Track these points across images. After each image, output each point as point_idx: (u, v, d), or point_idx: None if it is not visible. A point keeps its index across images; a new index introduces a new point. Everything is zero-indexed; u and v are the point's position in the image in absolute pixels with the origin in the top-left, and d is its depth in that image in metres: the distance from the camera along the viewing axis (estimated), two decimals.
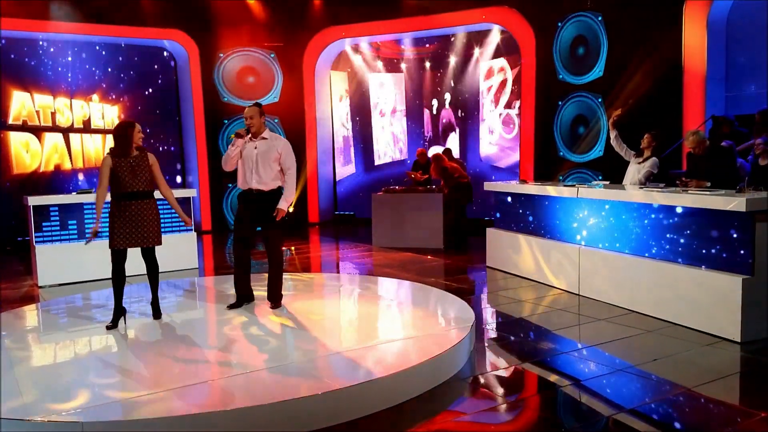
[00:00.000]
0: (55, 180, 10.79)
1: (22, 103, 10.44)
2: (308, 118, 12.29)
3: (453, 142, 11.77)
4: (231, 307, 5.23)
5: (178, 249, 7.75)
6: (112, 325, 4.74)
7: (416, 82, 12.21)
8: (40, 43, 10.56)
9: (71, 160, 10.97)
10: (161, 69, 11.72)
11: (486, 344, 4.76)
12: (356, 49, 12.38)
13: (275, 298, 5.26)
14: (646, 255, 5.39)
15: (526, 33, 10.13)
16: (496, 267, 7.45)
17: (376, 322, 5.08)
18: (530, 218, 6.99)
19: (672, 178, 6.42)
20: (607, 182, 7.04)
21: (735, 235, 4.60)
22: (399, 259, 8.29)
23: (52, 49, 10.67)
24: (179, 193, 7.99)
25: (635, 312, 5.37)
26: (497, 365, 4.35)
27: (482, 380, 4.03)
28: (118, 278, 4.76)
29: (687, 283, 4.91)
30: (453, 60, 11.65)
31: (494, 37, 11.00)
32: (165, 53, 11.72)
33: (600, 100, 9.22)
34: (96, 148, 11.24)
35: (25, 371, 3.89)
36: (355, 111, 12.76)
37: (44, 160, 10.72)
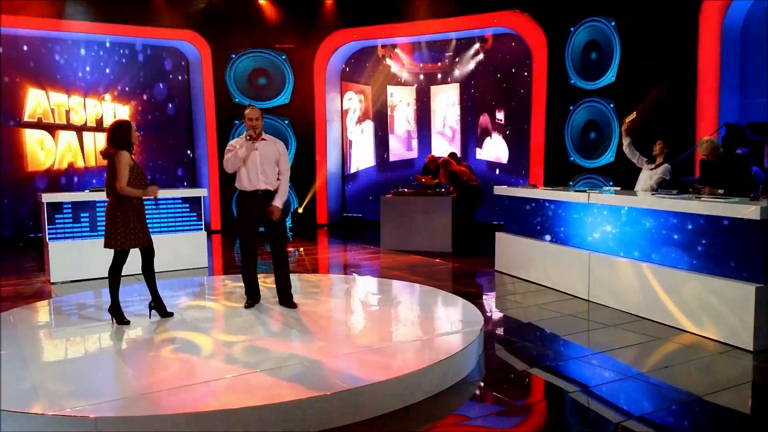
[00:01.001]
0: (69, 177, 10.88)
1: (37, 101, 10.54)
2: (318, 120, 12.32)
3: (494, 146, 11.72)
4: (248, 306, 5.29)
5: (188, 248, 7.79)
6: (126, 321, 4.80)
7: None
8: (56, 41, 10.65)
9: (84, 158, 11.06)
10: (173, 69, 11.79)
11: (494, 348, 4.75)
12: (380, 57, 12.37)
13: (287, 299, 5.30)
14: (658, 261, 5.36)
15: (538, 37, 10.12)
16: (505, 271, 7.43)
17: (384, 325, 5.08)
18: (540, 223, 6.97)
19: (685, 185, 6.38)
20: (618, 188, 7.01)
21: (748, 243, 4.57)
22: (407, 262, 8.29)
23: (66, 48, 10.76)
24: (190, 192, 8.06)
25: (646, 319, 5.34)
26: (505, 369, 4.34)
27: (490, 384, 4.02)
28: (119, 276, 4.86)
29: (699, 291, 4.88)
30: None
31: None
32: (178, 53, 11.79)
33: (612, 105, 9.19)
34: None
35: (37, 366, 3.92)
36: (372, 114, 12.79)
37: (58, 158, 10.81)
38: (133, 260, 4.94)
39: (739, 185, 5.51)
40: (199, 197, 8.03)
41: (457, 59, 11.74)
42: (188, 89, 11.95)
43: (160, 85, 11.66)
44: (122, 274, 4.89)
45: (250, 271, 5.29)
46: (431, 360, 3.85)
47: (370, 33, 11.93)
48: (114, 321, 4.84)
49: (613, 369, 4.23)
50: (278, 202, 5.14)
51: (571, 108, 9.74)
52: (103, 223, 4.85)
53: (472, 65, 11.56)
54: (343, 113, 12.69)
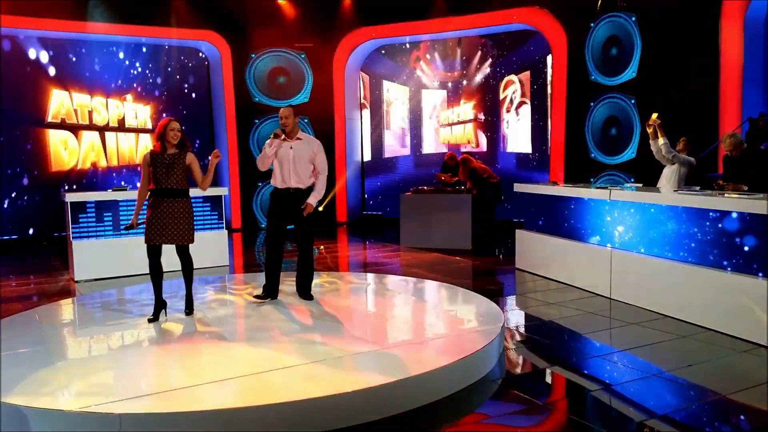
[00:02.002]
0: (92, 177, 11.04)
1: (60, 102, 10.70)
2: (337, 118, 12.35)
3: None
4: (258, 297, 5.39)
5: (209, 246, 7.85)
6: (154, 318, 4.85)
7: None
8: (79, 43, 10.80)
9: (107, 158, 11.22)
10: (194, 69, 11.91)
11: (515, 346, 4.74)
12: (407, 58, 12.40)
13: (306, 291, 5.40)
14: (680, 258, 5.30)
15: (558, 33, 10.04)
16: (526, 269, 7.40)
17: (405, 322, 5.09)
18: (561, 220, 6.92)
19: (708, 181, 6.30)
20: (641, 185, 6.93)
21: None
22: (427, 260, 8.29)
23: (89, 49, 10.91)
24: (210, 191, 8.12)
25: (668, 316, 5.28)
26: (526, 368, 4.32)
27: (511, 382, 4.00)
28: (155, 272, 4.86)
29: (722, 288, 4.81)
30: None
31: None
32: (199, 54, 11.90)
33: (633, 101, 9.09)
34: (130, 147, 11.46)
35: (62, 363, 3.99)
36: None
37: (81, 158, 10.98)
38: (172, 256, 5.01)
39: (764, 181, 5.42)
40: (220, 196, 8.10)
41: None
42: (209, 89, 12.05)
43: (182, 85, 11.78)
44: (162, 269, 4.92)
45: (274, 266, 5.37)
46: (452, 358, 3.84)
47: (389, 31, 11.93)
48: (154, 315, 4.88)
49: (636, 367, 4.19)
50: (312, 199, 5.23)
51: (592, 104, 9.65)
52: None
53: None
54: (362, 108, 12.73)
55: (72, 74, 10.80)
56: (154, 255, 4.84)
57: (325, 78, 12.15)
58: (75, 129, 10.90)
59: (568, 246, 6.69)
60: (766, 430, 3.29)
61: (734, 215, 4.78)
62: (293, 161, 5.20)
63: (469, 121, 11.96)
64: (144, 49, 11.41)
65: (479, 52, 11.65)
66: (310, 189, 5.30)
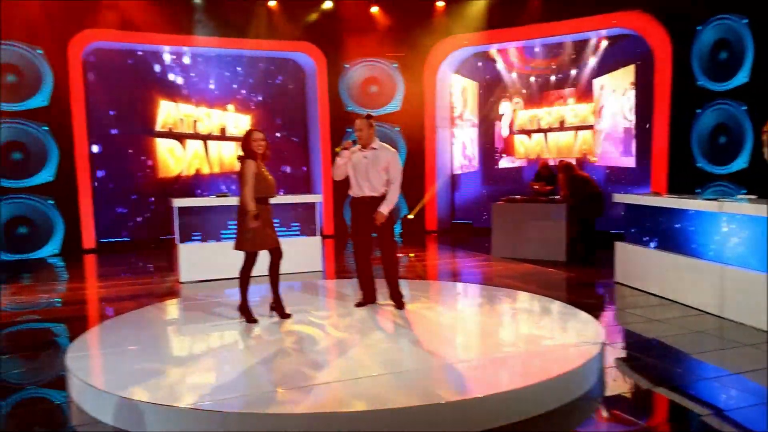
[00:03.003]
0: (195, 183, 11.65)
1: (168, 112, 11.38)
2: (428, 127, 12.38)
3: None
4: (358, 305, 5.56)
5: (303, 252, 8.05)
6: (254, 320, 5.09)
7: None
8: (184, 56, 11.45)
9: (209, 165, 11.81)
10: (291, 80, 12.34)
11: (616, 364, 4.54)
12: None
13: (397, 300, 5.48)
14: None
15: (661, 38, 9.60)
16: (626, 283, 7.08)
17: (498, 334, 5.00)
18: (665, 233, 6.58)
19: None
20: (754, 196, 6.47)
21: None
22: (520, 271, 8.12)
23: (194, 62, 11.55)
24: (305, 198, 8.37)
25: None
26: (629, 387, 4.13)
27: (612, 402, 3.84)
28: (249, 278, 5.17)
29: None
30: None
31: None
32: (295, 65, 12.29)
33: (744, 108, 8.54)
34: (230, 155, 12.00)
35: (170, 361, 4.21)
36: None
37: (186, 165, 11.61)
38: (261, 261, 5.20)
39: None
40: (314, 203, 8.32)
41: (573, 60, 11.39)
42: (304, 98, 12.42)
43: (279, 95, 12.22)
44: (252, 275, 5.16)
45: (365, 272, 5.52)
46: (549, 374, 3.74)
47: (482, 38, 11.82)
48: (244, 319, 5.11)
49: (751, 392, 3.91)
50: (383, 208, 5.29)
51: (698, 111, 9.15)
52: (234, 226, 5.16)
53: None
54: (454, 117, 12.69)
55: (178, 85, 11.46)
56: (254, 261, 5.14)
57: (417, 86, 12.22)
58: (181, 138, 11.54)
59: (672, 260, 6.35)
60: None
61: None
62: (366, 170, 5.31)
63: (587, 127, 11.56)
64: (245, 61, 11.93)
65: (576, 58, 11.32)
66: (384, 197, 5.36)
